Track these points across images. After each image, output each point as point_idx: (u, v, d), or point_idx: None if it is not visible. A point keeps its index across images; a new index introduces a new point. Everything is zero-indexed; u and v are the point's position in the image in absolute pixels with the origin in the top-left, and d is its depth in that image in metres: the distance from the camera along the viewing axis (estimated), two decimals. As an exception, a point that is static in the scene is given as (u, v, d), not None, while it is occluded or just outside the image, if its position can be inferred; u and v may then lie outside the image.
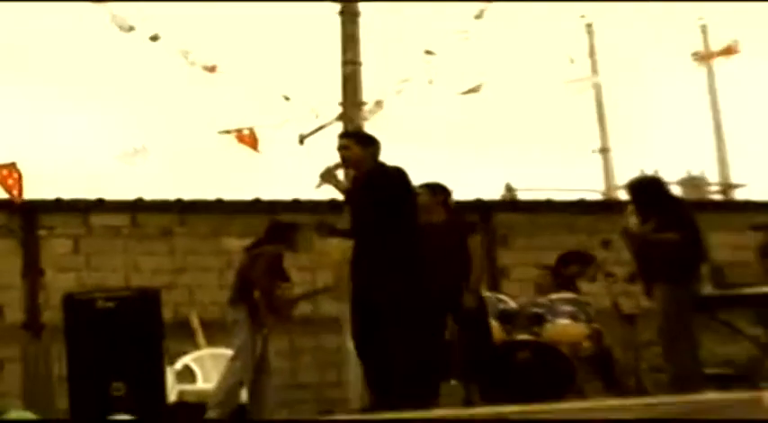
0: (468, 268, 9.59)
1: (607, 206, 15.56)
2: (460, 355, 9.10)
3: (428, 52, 11.77)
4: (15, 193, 11.47)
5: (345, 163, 8.88)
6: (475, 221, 11.37)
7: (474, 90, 11.65)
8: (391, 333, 8.26)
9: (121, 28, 11.39)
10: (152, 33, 11.46)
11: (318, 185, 8.93)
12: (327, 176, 8.79)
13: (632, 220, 9.62)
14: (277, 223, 10.36)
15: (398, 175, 8.61)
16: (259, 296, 9.76)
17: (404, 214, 8.54)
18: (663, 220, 9.43)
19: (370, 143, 8.70)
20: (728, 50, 13.73)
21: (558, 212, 15.09)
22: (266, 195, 13.63)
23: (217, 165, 12.99)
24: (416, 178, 8.86)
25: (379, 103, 11.79)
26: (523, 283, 12.48)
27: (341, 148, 8.82)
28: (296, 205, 13.05)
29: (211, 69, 11.56)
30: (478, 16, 11.80)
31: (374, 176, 8.59)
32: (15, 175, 11.40)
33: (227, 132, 11.31)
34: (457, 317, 9.11)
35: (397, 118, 11.75)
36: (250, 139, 11.45)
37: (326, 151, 10.77)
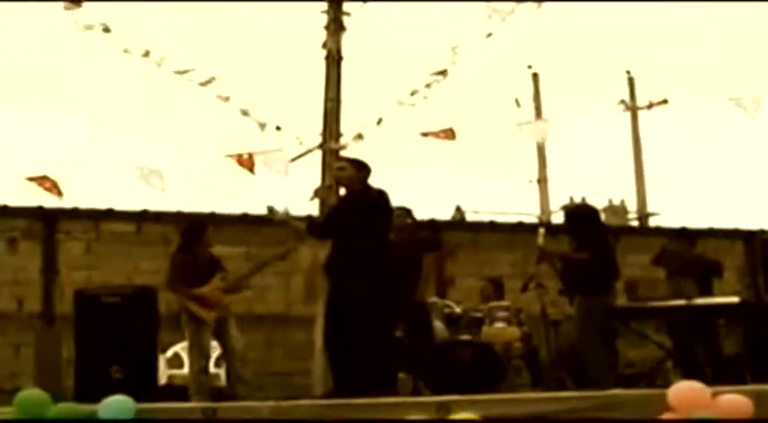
0: (419, 279, 9.67)
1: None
2: (408, 352, 9.12)
3: (400, 102, 11.77)
4: (55, 194, 11.44)
5: (339, 181, 9.01)
6: (437, 239, 11.42)
7: (435, 134, 11.63)
8: (359, 328, 8.31)
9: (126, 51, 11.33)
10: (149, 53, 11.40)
11: (311, 199, 9.05)
12: (320, 192, 8.92)
13: (541, 240, 9.71)
14: (187, 227, 10.26)
15: (381, 195, 8.69)
16: (180, 298, 9.69)
17: (380, 228, 8.61)
18: (582, 242, 9.53)
19: (363, 168, 8.76)
20: (650, 105, 13.79)
21: (499, 232, 15.16)
22: (256, 210, 13.67)
23: (214, 182, 12.97)
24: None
25: (360, 136, 11.78)
26: (466, 292, 12.52)
27: (338, 169, 8.91)
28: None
29: (226, 99, 11.54)
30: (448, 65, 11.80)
31: (361, 194, 8.66)
32: (50, 184, 11.39)
33: (231, 156, 11.30)
34: (406, 319, 9.13)
35: (371, 146, 11.75)
36: (248, 162, 11.44)
37: (309, 173, 10.86)
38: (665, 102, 24.75)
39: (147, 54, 11.33)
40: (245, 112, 11.47)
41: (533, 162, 25.32)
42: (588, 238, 9.51)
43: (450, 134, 11.39)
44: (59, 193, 10.95)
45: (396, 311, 8.69)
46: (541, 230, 10.00)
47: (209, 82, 11.42)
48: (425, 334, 9.37)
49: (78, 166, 13.24)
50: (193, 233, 9.98)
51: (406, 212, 9.91)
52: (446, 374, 9.26)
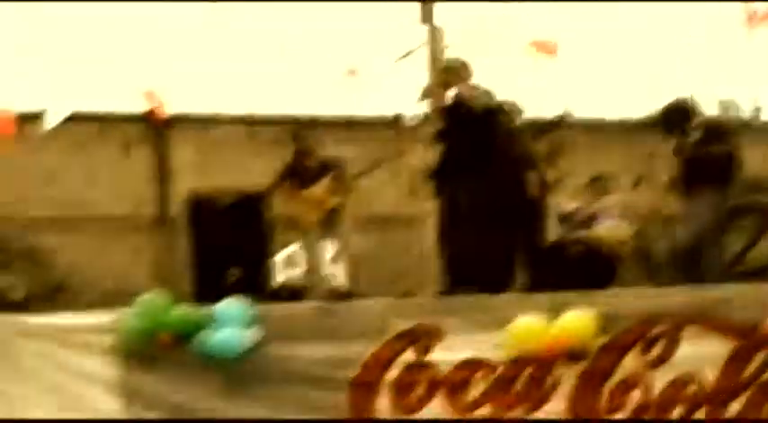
0: (530, 178, 9.66)
1: (652, 125, 15.42)
2: (520, 250, 9.15)
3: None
4: (159, 111, 11.61)
5: (447, 84, 9.04)
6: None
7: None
8: (472, 227, 8.39)
9: None
10: None
11: (421, 99, 9.10)
12: (429, 93, 8.97)
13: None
14: (296, 130, 10.35)
15: (489, 95, 8.84)
16: (289, 201, 9.84)
17: (490, 126, 8.62)
18: (705, 136, 9.37)
19: (469, 70, 8.81)
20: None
21: (609, 130, 15.05)
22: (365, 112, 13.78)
23: (322, 84, 13.03)
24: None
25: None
26: (577, 190, 12.45)
27: (446, 70, 8.97)
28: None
29: None
30: None
31: (469, 95, 8.74)
32: (157, 99, 11.56)
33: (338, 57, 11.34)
34: (518, 217, 9.14)
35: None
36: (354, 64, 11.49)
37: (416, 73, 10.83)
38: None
39: None
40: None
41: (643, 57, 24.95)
42: (710, 132, 9.36)
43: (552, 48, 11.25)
44: (167, 104, 11.11)
45: (508, 210, 8.73)
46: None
47: None
48: (537, 233, 9.38)
49: (187, 71, 13.41)
50: (304, 136, 10.10)
51: (514, 110, 9.86)
52: (558, 273, 9.28)
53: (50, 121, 11.93)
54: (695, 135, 9.41)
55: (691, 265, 9.29)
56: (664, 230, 10.07)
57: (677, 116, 9.65)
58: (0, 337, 7.47)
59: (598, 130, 15.13)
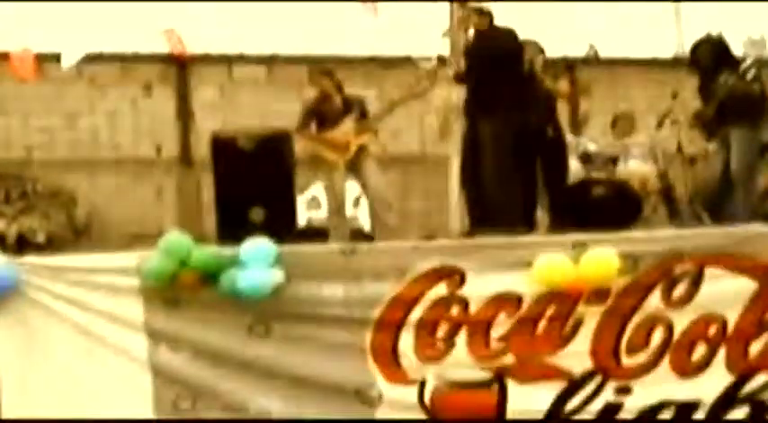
0: (554, 114, 9.65)
1: (676, 63, 15.34)
2: (544, 190, 9.16)
3: None
4: (181, 51, 11.61)
5: (465, 22, 9.05)
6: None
7: None
8: (495, 167, 8.40)
9: None
10: None
11: (443, 36, 9.11)
12: (450, 32, 8.98)
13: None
14: (318, 70, 10.37)
15: (511, 34, 8.83)
16: (310, 142, 9.88)
17: (512, 67, 8.67)
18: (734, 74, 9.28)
19: (490, 9, 8.83)
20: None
21: (634, 67, 14.97)
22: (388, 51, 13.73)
23: (343, 23, 12.98)
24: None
25: None
26: (601, 129, 12.41)
27: (468, 10, 8.98)
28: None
29: None
30: None
31: (491, 35, 8.82)
32: (178, 38, 11.56)
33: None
34: (542, 157, 9.14)
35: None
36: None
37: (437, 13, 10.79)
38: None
39: None
40: None
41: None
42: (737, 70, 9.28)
43: None
44: (188, 43, 11.11)
45: (531, 150, 8.74)
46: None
47: None
48: (561, 172, 9.38)
49: (209, 10, 13.39)
50: (328, 76, 10.10)
51: (539, 49, 9.84)
52: (582, 212, 9.29)
53: (69, 61, 11.96)
54: (737, 73, 9.28)
55: (720, 204, 9.25)
56: (688, 170, 10.05)
57: (707, 53, 9.57)
58: (25, 279, 7.52)
59: (622, 68, 15.03)
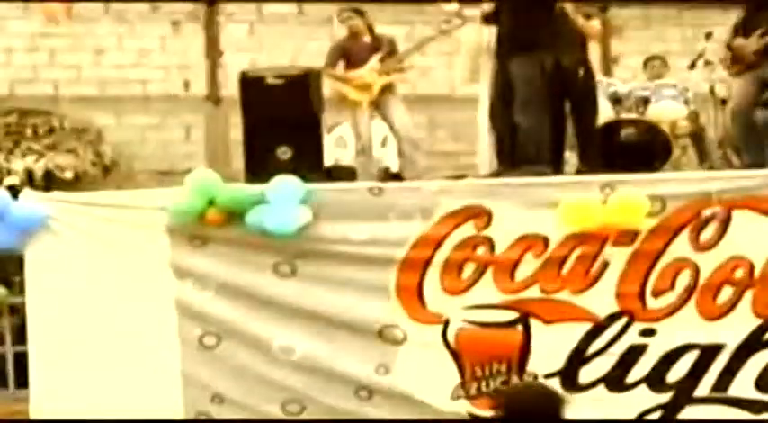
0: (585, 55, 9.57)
1: (711, 2, 15.20)
2: (573, 131, 9.12)
3: None
4: None
5: None
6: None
7: None
8: (524, 107, 8.38)
9: None
10: None
11: None
12: None
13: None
14: (345, 9, 10.35)
15: None
16: (334, 82, 9.90)
17: (543, 7, 8.59)
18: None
19: None
20: None
21: (667, 7, 14.84)
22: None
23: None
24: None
25: None
26: (632, 70, 12.37)
27: None
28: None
29: None
30: None
31: None
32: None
33: None
34: (571, 97, 9.09)
35: None
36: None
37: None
38: None
39: None
40: None
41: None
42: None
43: None
44: None
45: (562, 91, 8.71)
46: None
47: None
48: (591, 114, 9.37)
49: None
50: (353, 14, 10.08)
51: None
52: (611, 153, 9.27)
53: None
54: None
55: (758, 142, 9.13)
56: (720, 113, 9.99)
57: None
58: (54, 215, 7.59)
59: (656, 8, 14.91)
